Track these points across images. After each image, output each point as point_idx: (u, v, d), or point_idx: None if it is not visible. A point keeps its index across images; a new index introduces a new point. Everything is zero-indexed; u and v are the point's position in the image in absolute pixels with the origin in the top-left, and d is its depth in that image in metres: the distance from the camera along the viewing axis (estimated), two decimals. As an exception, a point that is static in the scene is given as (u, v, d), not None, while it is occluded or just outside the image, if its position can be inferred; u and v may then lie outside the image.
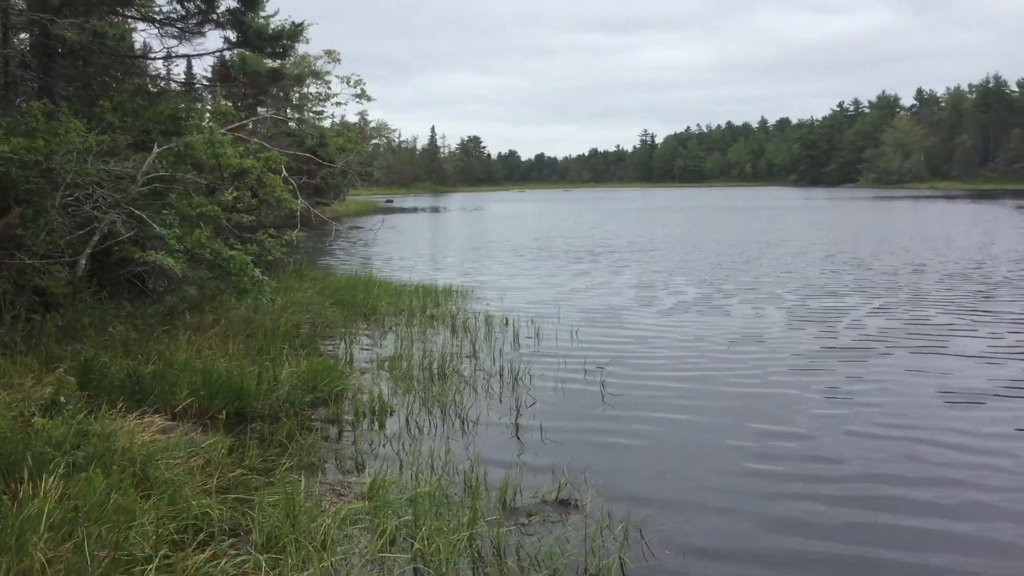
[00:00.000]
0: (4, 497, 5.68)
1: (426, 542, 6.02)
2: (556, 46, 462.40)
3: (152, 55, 18.26)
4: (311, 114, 49.57)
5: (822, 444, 8.68)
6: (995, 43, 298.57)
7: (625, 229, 47.69)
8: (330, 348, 13.45)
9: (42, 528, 5.33)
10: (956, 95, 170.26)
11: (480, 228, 53.89)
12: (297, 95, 45.31)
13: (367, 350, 13.50)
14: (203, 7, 14.89)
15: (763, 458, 8.35)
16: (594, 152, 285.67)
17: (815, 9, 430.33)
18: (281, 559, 5.61)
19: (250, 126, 18.08)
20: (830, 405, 10.06)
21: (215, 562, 5.54)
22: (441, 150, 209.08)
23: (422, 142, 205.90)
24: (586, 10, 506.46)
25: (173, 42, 15.75)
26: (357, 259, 31.50)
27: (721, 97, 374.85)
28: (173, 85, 20.52)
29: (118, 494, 6.03)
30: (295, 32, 16.08)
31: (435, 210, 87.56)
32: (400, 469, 7.88)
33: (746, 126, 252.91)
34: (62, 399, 8.04)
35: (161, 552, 5.47)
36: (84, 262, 11.61)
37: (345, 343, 13.53)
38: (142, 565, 5.29)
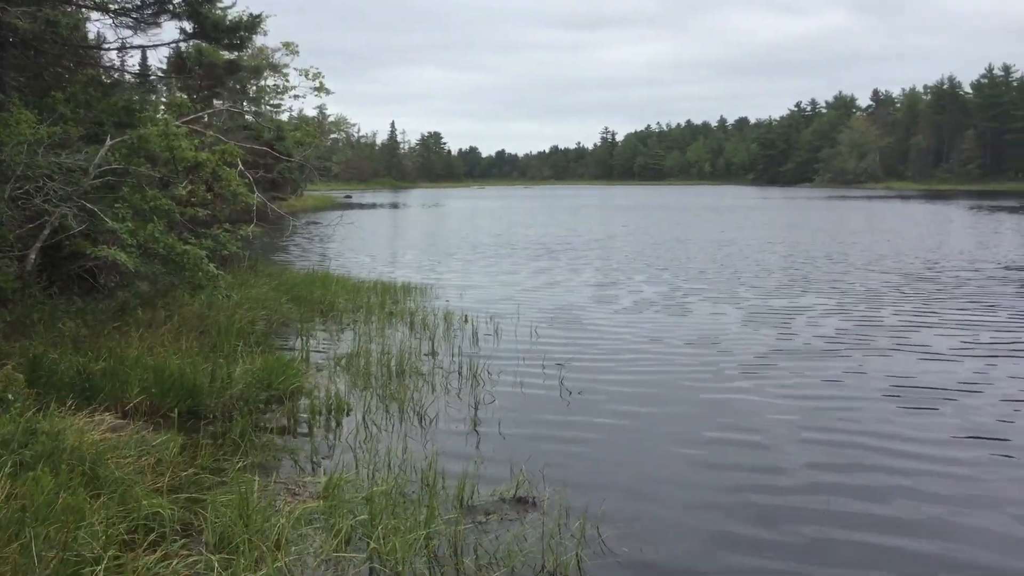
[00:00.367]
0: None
1: (382, 541, 5.97)
2: (518, 42, 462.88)
3: (106, 45, 17.90)
4: (268, 107, 49.00)
5: (776, 443, 8.76)
6: (950, 46, 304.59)
7: (584, 227, 47.84)
8: (286, 345, 13.32)
9: (-14, 529, 5.20)
10: (911, 96, 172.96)
11: (439, 225, 53.76)
12: (254, 88, 44.78)
13: (324, 347, 13.38)
14: (159, -4, 14.63)
15: (718, 456, 8.42)
16: (555, 149, 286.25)
17: (774, 10, 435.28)
18: (234, 559, 5.54)
19: (206, 119, 17.83)
20: (785, 405, 10.14)
21: (166, 563, 5.45)
22: (401, 146, 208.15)
23: (382, 137, 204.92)
24: (548, 6, 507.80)
25: (128, 32, 15.44)
26: (315, 255, 31.24)
27: (681, 95, 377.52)
28: (127, 76, 20.15)
29: (67, 493, 5.91)
30: (253, 24, 15.84)
31: (394, 206, 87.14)
32: (356, 468, 7.81)
33: (705, 125, 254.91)
34: (10, 396, 7.86)
35: (111, 552, 5.37)
36: (34, 256, 11.36)
37: (301, 340, 13.40)
38: (91, 566, 5.19)
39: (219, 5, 16.28)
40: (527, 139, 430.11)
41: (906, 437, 8.80)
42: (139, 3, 14.84)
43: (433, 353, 12.90)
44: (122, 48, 16.39)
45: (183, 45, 17.28)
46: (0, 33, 13.64)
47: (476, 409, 9.95)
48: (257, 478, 6.83)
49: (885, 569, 6.05)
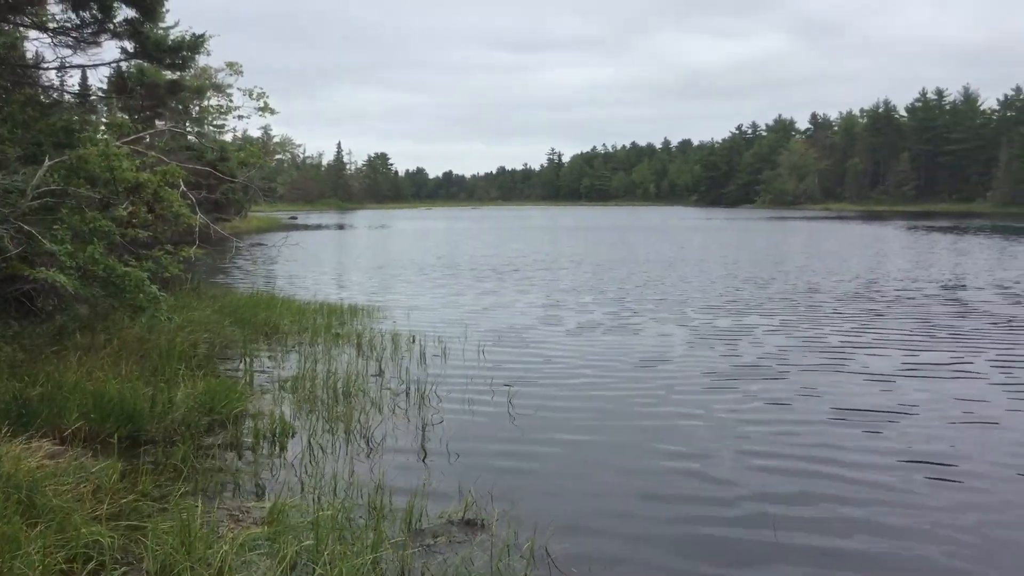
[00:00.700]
0: None
1: (328, 567, 5.89)
2: (461, 64, 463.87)
3: (45, 65, 17.55)
4: (212, 127, 48.48)
5: (722, 465, 8.82)
6: (884, 70, 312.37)
7: (532, 248, 48.01)
8: (229, 369, 13.12)
9: (-85, 562, 5.02)
10: (848, 119, 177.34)
11: (386, 246, 53.52)
12: (197, 108, 44.26)
13: (269, 370, 13.21)
14: (99, 16, 14.39)
15: (666, 477, 8.48)
16: (502, 170, 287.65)
17: (713, 34, 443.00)
18: (176, 588, 5.42)
19: (147, 139, 17.58)
20: (731, 429, 10.18)
21: (105, 593, 5.31)
22: (347, 166, 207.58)
23: (328, 158, 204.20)
24: (489, 29, 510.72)
25: (67, 52, 15.18)
26: (259, 277, 30.87)
27: (626, 117, 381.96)
28: (67, 96, 19.80)
29: (2, 522, 5.74)
30: (196, 44, 15.67)
31: (341, 227, 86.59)
32: (302, 492, 7.71)
33: (650, 147, 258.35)
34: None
35: (47, 584, 5.22)
36: (-33, 279, 11.07)
37: (245, 363, 13.21)
38: (26, 598, 5.04)
39: (161, 25, 16.09)
40: (474, 160, 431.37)
41: (852, 462, 8.80)
42: (78, 22, 14.60)
43: (380, 375, 12.81)
44: (61, 68, 16.07)
45: (124, 65, 16.99)
46: (-66, 51, 13.34)
47: (424, 431, 9.89)
48: (200, 504, 6.70)
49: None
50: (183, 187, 14.29)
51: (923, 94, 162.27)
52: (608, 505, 7.70)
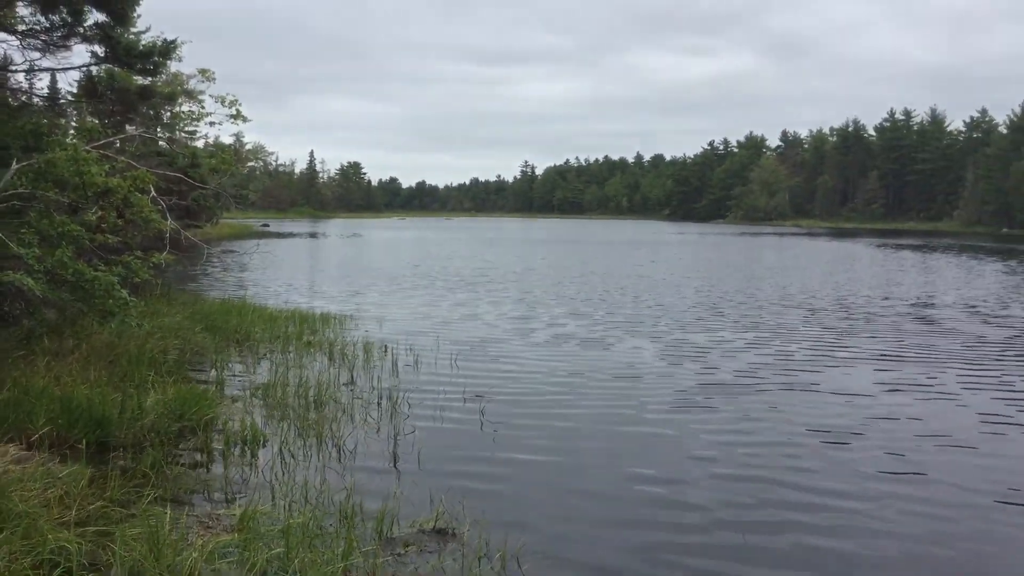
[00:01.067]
0: None
1: (299, 574, 5.85)
2: (432, 75, 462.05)
3: (13, 68, 17.36)
4: (183, 134, 48.08)
5: (692, 478, 8.85)
6: (852, 89, 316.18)
7: (504, 259, 48.03)
8: (200, 375, 13.00)
9: None
10: (818, 138, 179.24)
11: (358, 255, 53.30)
12: (169, 114, 43.91)
13: (240, 377, 13.10)
14: (69, 20, 14.27)
15: (637, 492, 8.49)
16: (475, 181, 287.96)
17: (685, 51, 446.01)
18: (144, 595, 5.35)
19: (118, 144, 17.39)
20: (704, 442, 10.20)
21: (71, 600, 5.24)
22: (320, 175, 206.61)
23: (300, 166, 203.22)
24: (461, 41, 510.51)
25: (36, 55, 15.03)
26: (230, 284, 30.63)
27: (598, 131, 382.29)
28: (35, 100, 19.57)
29: (-36, 529, 5.65)
30: (167, 49, 15.57)
31: (313, 235, 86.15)
32: (273, 500, 7.65)
33: (623, 161, 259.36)
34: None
35: (11, 591, 5.14)
36: (-68, 282, 10.89)
37: (216, 370, 13.10)
38: (-10, 605, 4.96)
39: (132, 30, 15.98)
40: (447, 171, 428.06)
41: (824, 479, 8.79)
42: (48, 25, 14.46)
43: (352, 384, 12.75)
44: (30, 71, 15.92)
45: (95, 69, 16.84)
46: (-100, 52, 13.16)
47: (395, 440, 9.86)
48: (169, 511, 6.63)
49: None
50: (153, 193, 14.15)
51: (891, 114, 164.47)
52: (577, 516, 7.71)
